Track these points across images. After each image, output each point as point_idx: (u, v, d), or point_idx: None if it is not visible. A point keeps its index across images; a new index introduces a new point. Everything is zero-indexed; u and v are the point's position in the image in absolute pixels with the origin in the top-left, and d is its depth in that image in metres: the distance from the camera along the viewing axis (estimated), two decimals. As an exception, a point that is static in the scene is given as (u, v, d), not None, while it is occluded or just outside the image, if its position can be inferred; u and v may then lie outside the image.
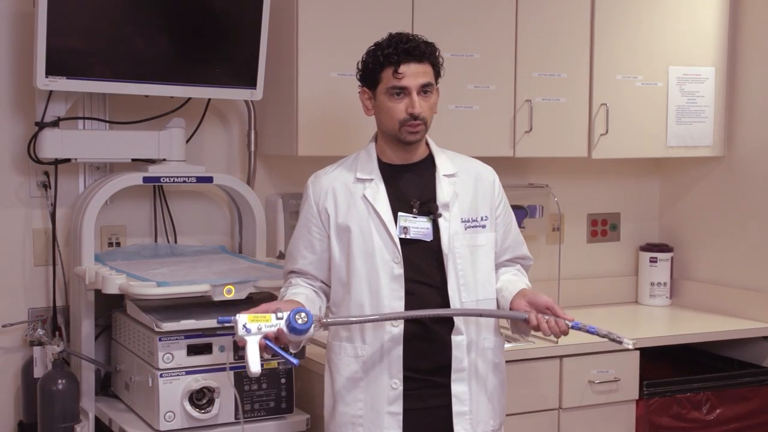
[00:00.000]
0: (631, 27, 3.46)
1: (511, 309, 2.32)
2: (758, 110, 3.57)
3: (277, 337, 2.03)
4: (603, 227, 3.95)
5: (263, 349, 2.01)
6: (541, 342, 3.11)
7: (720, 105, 3.65)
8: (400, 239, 2.28)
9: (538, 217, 3.66)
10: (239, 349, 2.57)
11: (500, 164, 3.62)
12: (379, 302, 2.26)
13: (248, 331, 2.00)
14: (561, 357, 3.10)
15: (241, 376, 2.62)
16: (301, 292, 2.30)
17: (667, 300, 3.88)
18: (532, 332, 2.35)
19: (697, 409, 3.29)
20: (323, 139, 2.99)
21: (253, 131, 3.23)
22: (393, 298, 2.26)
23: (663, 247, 3.89)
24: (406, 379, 2.27)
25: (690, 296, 3.84)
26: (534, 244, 3.77)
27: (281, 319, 2.02)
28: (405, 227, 2.29)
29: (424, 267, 2.30)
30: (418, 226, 2.30)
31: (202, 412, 2.58)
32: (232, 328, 2.03)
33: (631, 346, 2.21)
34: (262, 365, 2.02)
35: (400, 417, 2.26)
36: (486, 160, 3.51)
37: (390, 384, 2.27)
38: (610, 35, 3.42)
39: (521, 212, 3.63)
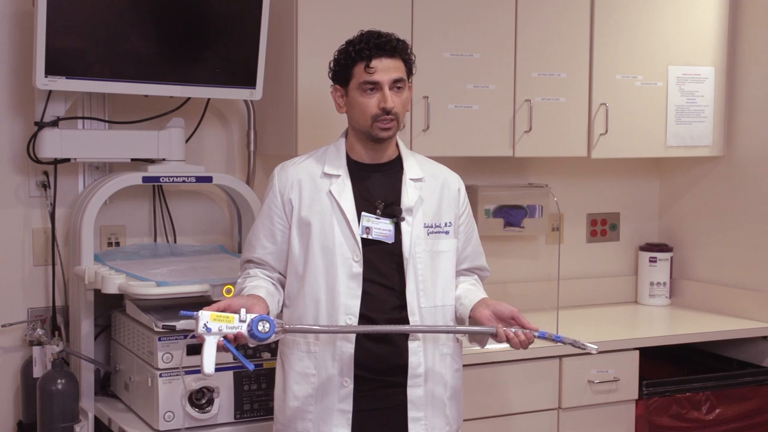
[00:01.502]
0: (631, 27, 3.46)
1: (471, 317, 2.32)
2: (758, 110, 3.57)
3: (235, 338, 2.02)
4: (602, 227, 3.95)
5: (221, 349, 2.00)
6: (541, 342, 3.09)
7: (719, 105, 3.65)
8: (362, 239, 2.27)
9: (537, 217, 3.66)
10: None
11: (500, 164, 3.65)
12: (335, 299, 2.25)
13: (208, 330, 1.98)
14: (561, 357, 3.10)
15: (240, 375, 2.62)
16: (262, 285, 2.28)
17: (667, 300, 3.88)
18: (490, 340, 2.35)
19: (697, 409, 3.29)
20: (323, 139, 2.98)
21: (252, 131, 3.23)
22: (349, 296, 2.25)
23: (662, 247, 3.89)
24: (359, 379, 2.26)
25: (689, 296, 3.84)
26: (534, 244, 3.78)
27: (244, 322, 2.01)
28: (367, 227, 2.29)
29: (383, 269, 2.29)
30: (381, 228, 2.30)
31: (202, 412, 2.58)
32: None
33: (594, 352, 2.22)
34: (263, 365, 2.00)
35: (350, 415, 2.25)
36: (486, 159, 3.53)
37: (341, 381, 2.26)
38: (609, 35, 3.42)
39: (521, 212, 3.63)
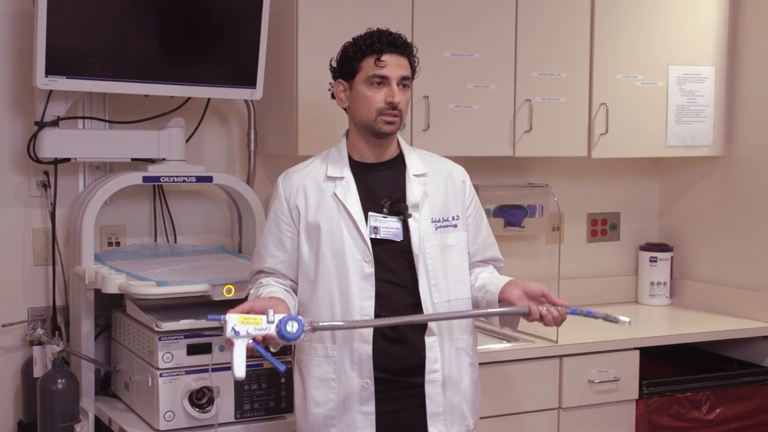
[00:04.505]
0: (631, 27, 3.46)
1: (501, 299, 2.30)
2: (758, 110, 3.57)
3: (264, 339, 2.00)
4: (603, 227, 3.95)
5: (250, 351, 1.98)
6: (541, 342, 3.11)
7: (720, 104, 3.65)
8: (371, 239, 2.27)
9: (537, 217, 3.66)
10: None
11: (500, 164, 3.65)
12: (349, 301, 2.25)
13: (237, 333, 1.96)
14: (561, 357, 3.11)
15: (241, 375, 2.62)
16: (278, 290, 2.28)
17: (667, 300, 3.88)
18: (520, 324, 2.35)
19: (697, 409, 3.29)
20: (323, 139, 2.99)
21: (253, 131, 3.23)
22: (363, 297, 2.25)
23: (663, 247, 3.89)
24: (378, 380, 2.25)
25: (690, 296, 3.84)
26: (534, 243, 3.78)
27: (272, 323, 1.99)
28: (375, 227, 2.28)
29: (394, 267, 2.29)
30: (389, 226, 2.30)
31: (202, 412, 2.58)
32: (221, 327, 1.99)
33: (627, 324, 2.19)
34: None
35: (373, 417, 2.25)
36: (486, 159, 3.53)
37: (361, 384, 2.25)
38: (610, 35, 3.42)
39: (521, 212, 3.63)
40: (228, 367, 2.56)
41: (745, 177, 3.61)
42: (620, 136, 3.46)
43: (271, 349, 2.06)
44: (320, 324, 2.11)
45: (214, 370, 2.59)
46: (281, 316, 2.00)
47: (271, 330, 1.98)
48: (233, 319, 1.97)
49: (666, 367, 3.49)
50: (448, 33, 3.15)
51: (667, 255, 3.87)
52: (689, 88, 3.59)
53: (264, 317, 1.99)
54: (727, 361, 3.55)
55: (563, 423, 3.13)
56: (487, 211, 3.57)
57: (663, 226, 4.03)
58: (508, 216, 3.61)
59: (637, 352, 3.22)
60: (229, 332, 1.96)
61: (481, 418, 2.94)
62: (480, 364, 2.93)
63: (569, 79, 3.37)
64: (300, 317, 2.02)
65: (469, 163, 3.47)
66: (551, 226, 3.75)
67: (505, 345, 3.07)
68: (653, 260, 3.87)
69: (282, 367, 2.01)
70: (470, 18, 3.19)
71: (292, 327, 1.98)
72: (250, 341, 1.97)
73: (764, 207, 3.53)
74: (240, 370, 1.95)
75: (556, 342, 3.08)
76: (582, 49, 3.39)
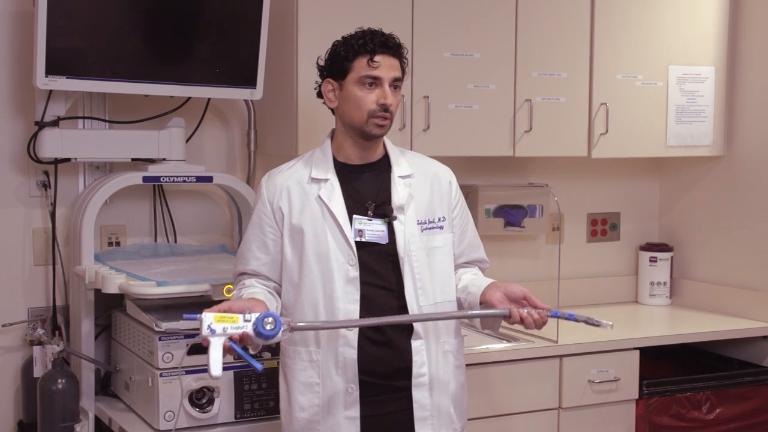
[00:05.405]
0: (631, 27, 3.46)
1: (482, 302, 2.28)
2: (758, 110, 3.57)
3: (241, 338, 1.96)
4: (603, 227, 3.95)
5: (227, 350, 1.95)
6: (541, 342, 3.11)
7: (720, 104, 3.65)
8: (356, 242, 2.24)
9: (537, 217, 3.66)
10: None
11: (500, 164, 3.65)
12: (333, 305, 2.22)
13: (213, 331, 1.93)
14: (561, 357, 3.11)
15: (240, 375, 2.62)
16: (259, 292, 2.26)
17: (667, 300, 3.88)
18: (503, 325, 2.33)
19: (697, 409, 3.29)
20: (323, 139, 2.99)
21: (253, 131, 3.23)
22: (347, 301, 2.22)
23: (663, 247, 3.89)
24: (364, 384, 2.23)
25: (690, 296, 3.84)
26: (534, 243, 3.78)
27: (249, 321, 1.95)
28: (360, 230, 2.25)
29: (379, 270, 2.26)
30: (374, 229, 2.27)
31: (202, 412, 2.58)
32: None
33: (609, 328, 2.18)
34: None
35: (358, 422, 2.23)
36: (486, 159, 3.54)
37: (346, 388, 2.23)
38: (610, 35, 3.42)
39: (521, 212, 3.63)
40: (227, 368, 2.56)
41: (745, 177, 3.61)
42: (620, 136, 3.46)
43: (251, 351, 2.02)
44: (298, 324, 2.07)
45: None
46: (258, 314, 1.97)
47: (248, 328, 1.95)
48: (209, 318, 1.94)
49: (666, 367, 3.49)
50: (448, 33, 3.15)
51: (667, 255, 3.87)
52: (689, 88, 3.59)
53: (241, 316, 1.96)
54: (727, 361, 3.55)
55: (563, 423, 3.13)
56: (487, 211, 3.57)
57: (663, 226, 4.03)
58: (508, 216, 3.61)
59: (637, 352, 3.22)
60: (204, 331, 1.93)
61: (480, 418, 2.96)
62: (479, 364, 2.95)
63: (569, 79, 3.37)
64: (278, 315, 2.00)
65: (469, 163, 3.49)
66: (551, 226, 3.75)
67: (505, 345, 3.07)
68: (653, 260, 3.87)
69: (259, 366, 1.96)
70: (470, 18, 3.19)
71: (269, 324, 1.95)
72: (227, 340, 1.94)
73: (764, 207, 3.53)
74: (216, 369, 1.91)
75: (556, 342, 3.08)
76: (582, 49, 3.39)
